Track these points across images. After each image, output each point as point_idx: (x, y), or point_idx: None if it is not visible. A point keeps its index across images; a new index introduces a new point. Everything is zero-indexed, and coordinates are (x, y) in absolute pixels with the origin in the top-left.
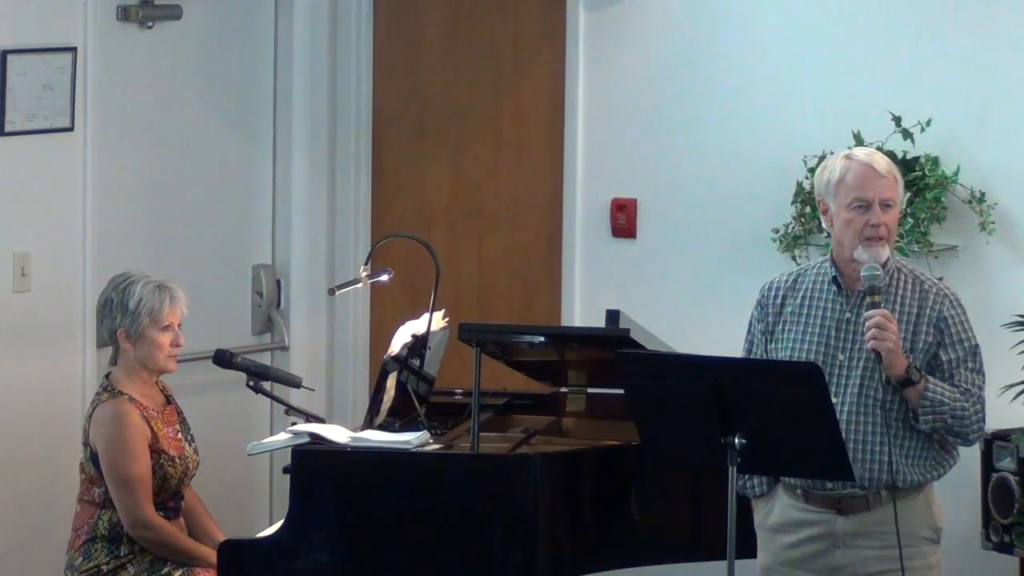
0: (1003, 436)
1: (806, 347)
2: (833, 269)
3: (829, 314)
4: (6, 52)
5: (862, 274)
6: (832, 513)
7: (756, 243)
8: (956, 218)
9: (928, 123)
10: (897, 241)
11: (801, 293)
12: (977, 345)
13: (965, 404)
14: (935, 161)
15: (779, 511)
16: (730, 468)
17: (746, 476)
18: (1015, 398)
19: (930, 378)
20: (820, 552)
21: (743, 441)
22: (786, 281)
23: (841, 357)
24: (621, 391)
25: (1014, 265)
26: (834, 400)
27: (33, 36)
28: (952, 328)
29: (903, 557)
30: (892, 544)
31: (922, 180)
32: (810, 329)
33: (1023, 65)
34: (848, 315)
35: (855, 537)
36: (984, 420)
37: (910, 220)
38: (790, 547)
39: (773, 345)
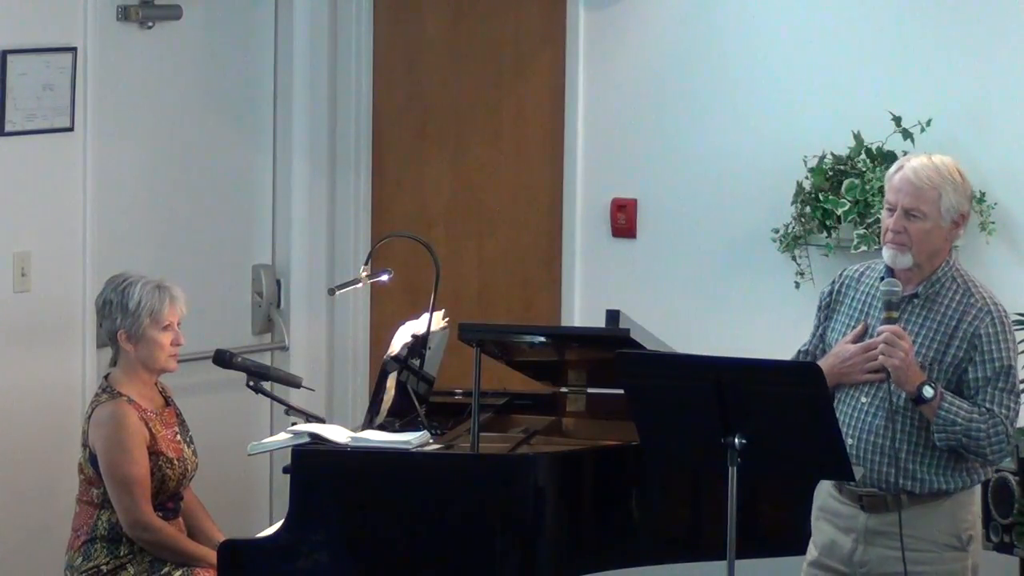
0: None
1: None
2: (885, 268)
3: (877, 312)
4: (6, 52)
5: (880, 289)
6: (857, 508)
7: (756, 243)
8: None
9: (928, 123)
10: None
11: (863, 288)
12: (1011, 366)
13: (981, 425)
14: None
15: (823, 495)
16: (730, 468)
17: None
18: None
19: (948, 396)
20: (846, 544)
21: (743, 441)
22: (855, 272)
23: None
24: (621, 391)
25: (1014, 265)
26: (863, 400)
27: (33, 36)
28: (985, 346)
29: (921, 561)
30: (908, 547)
31: None
32: (859, 325)
33: (1023, 65)
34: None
35: (875, 535)
36: (1007, 441)
37: None
38: (822, 532)
39: (829, 333)
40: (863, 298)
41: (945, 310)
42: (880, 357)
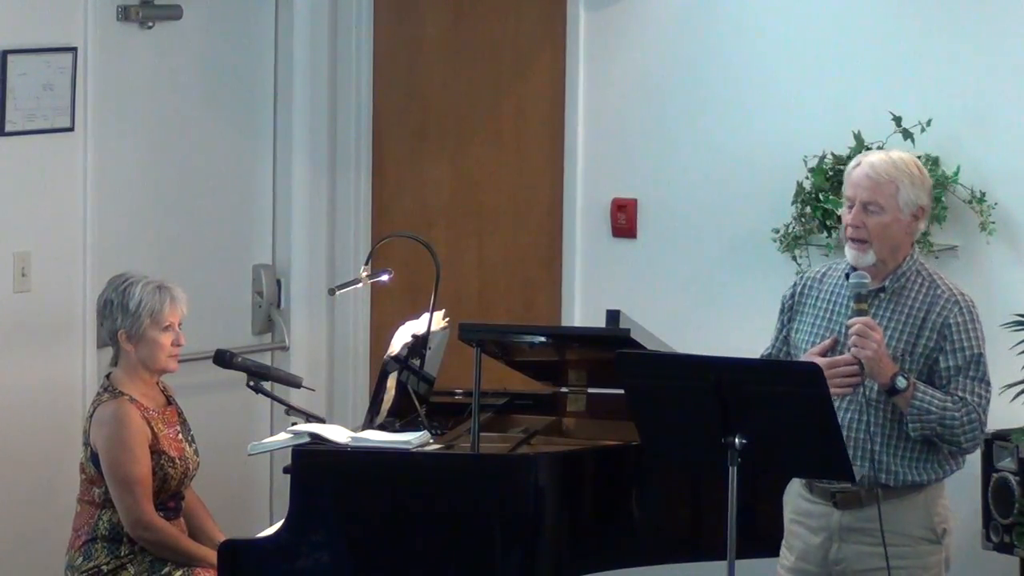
0: (1003, 436)
1: (819, 339)
2: (848, 267)
3: (844, 310)
4: (6, 52)
5: (850, 281)
6: (830, 506)
7: (756, 243)
8: (956, 218)
9: (928, 123)
10: None
11: (827, 287)
12: (981, 354)
13: (955, 413)
14: (935, 161)
15: (793, 498)
16: (730, 468)
17: None
18: (1015, 398)
19: (920, 385)
20: (820, 544)
21: (743, 441)
22: (817, 273)
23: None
24: (621, 391)
25: (1014, 265)
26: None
27: (33, 36)
28: (954, 335)
29: (896, 556)
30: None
31: None
32: (826, 323)
33: (1023, 65)
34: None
35: (850, 532)
36: (981, 429)
37: None
38: (796, 536)
39: (794, 334)
40: (828, 297)
41: (912, 302)
42: (852, 349)
